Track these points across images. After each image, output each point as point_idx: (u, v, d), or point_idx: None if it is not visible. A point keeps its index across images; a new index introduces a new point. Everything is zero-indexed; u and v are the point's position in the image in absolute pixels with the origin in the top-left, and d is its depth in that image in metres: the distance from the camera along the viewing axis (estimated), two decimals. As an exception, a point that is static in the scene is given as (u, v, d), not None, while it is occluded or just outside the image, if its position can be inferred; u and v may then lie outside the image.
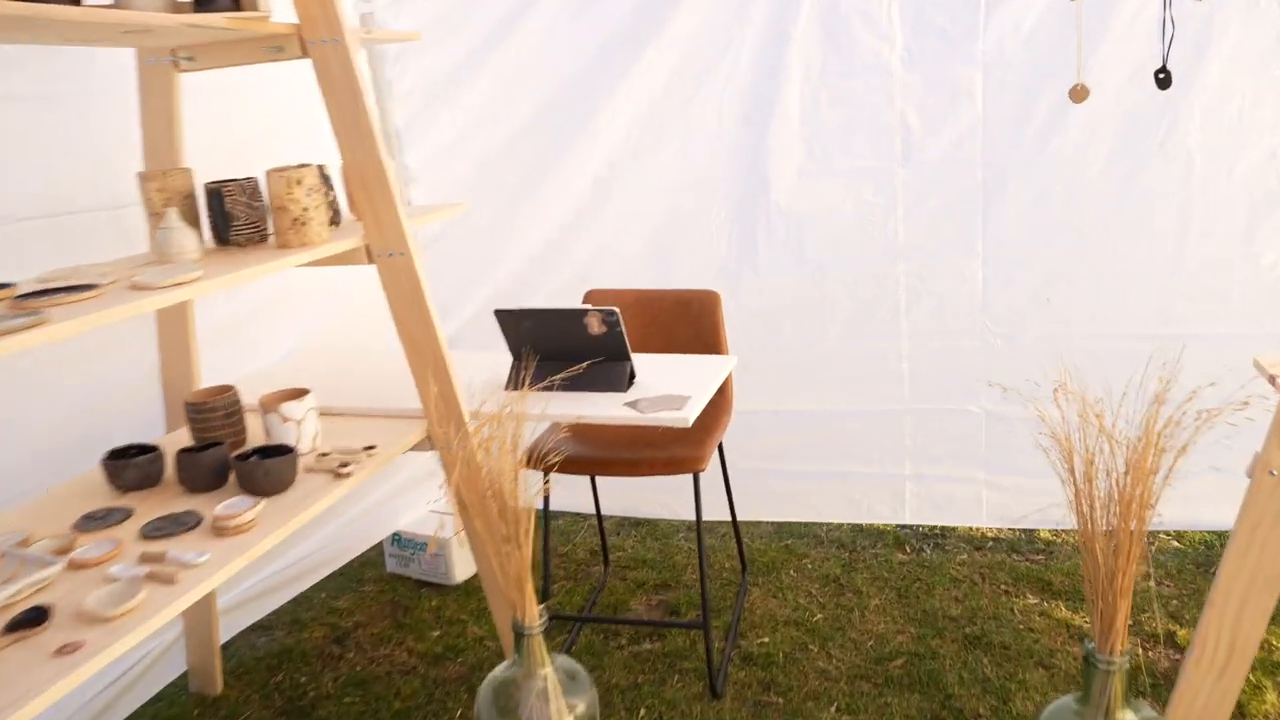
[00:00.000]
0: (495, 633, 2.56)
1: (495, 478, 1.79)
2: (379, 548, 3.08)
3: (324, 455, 1.89)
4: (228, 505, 1.63)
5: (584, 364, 2.10)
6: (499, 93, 2.89)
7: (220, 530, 1.58)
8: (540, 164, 2.93)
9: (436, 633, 2.71)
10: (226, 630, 2.59)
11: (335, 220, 2.02)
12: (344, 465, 1.81)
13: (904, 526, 3.08)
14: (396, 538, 2.98)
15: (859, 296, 2.86)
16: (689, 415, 1.95)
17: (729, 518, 2.72)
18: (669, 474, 2.26)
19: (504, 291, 3.04)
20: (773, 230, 2.87)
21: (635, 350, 2.18)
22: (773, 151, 2.80)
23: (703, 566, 2.35)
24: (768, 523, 3.19)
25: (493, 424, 1.83)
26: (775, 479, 3.09)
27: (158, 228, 1.77)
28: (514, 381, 2.21)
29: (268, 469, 1.71)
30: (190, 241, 1.75)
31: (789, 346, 2.95)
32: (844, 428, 2.98)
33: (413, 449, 2.04)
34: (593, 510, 2.89)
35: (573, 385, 2.14)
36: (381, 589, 2.98)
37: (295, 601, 2.90)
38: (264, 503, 1.67)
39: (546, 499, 2.48)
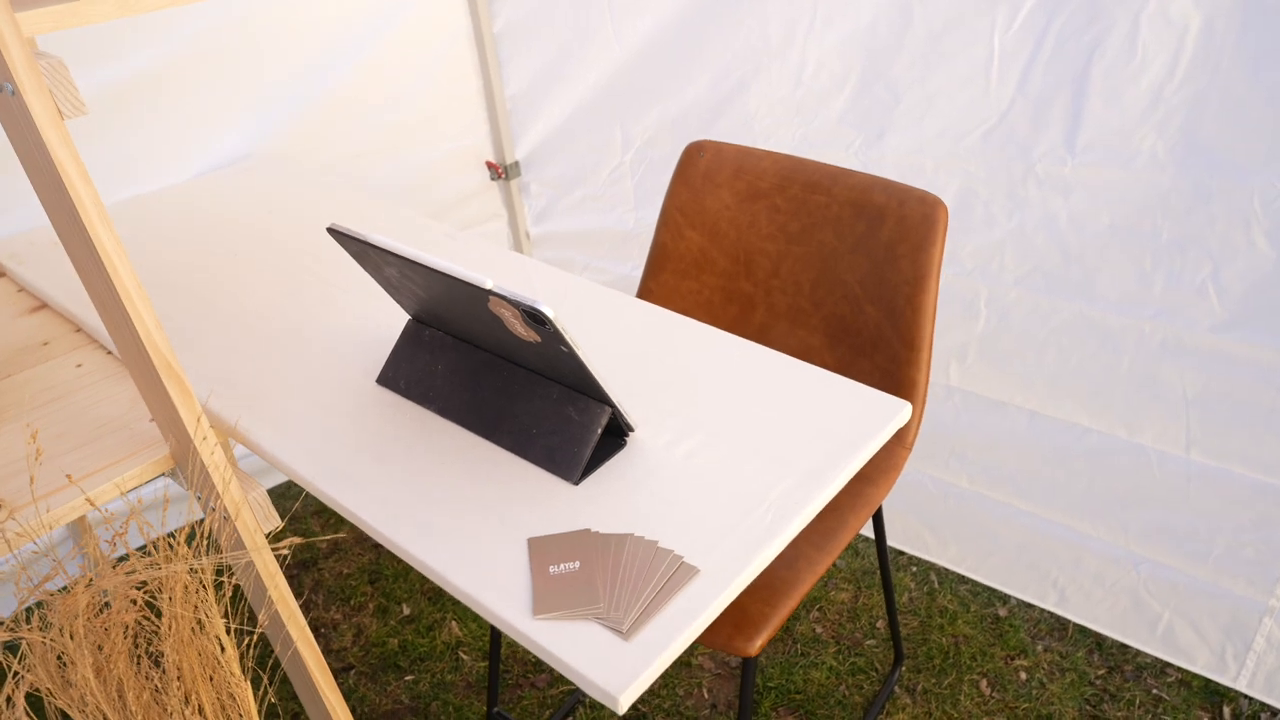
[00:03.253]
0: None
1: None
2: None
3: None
4: None
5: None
6: None
7: None
8: None
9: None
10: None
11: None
12: None
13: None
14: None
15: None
16: (621, 689, 0.71)
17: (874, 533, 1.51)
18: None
19: (582, 109, 1.75)
20: (1142, 63, 1.28)
21: (730, 302, 0.96)
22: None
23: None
24: (969, 577, 1.88)
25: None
26: (995, 515, 1.73)
27: None
28: (390, 375, 1.05)
29: None
30: None
31: (1092, 309, 1.46)
32: (1163, 479, 1.51)
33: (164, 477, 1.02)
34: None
35: (480, 426, 0.97)
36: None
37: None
38: None
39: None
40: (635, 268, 1.99)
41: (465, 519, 0.86)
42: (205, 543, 0.84)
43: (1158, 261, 1.38)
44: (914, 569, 1.90)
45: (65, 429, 1.04)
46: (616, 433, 0.95)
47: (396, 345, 1.05)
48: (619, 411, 0.91)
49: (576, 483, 0.90)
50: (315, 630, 1.82)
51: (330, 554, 2.00)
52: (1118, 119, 1.31)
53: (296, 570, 1.96)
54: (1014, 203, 1.44)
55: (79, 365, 1.15)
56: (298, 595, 1.89)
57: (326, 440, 0.97)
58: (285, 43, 1.68)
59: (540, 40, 1.84)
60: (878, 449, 0.96)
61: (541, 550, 0.82)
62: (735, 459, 0.92)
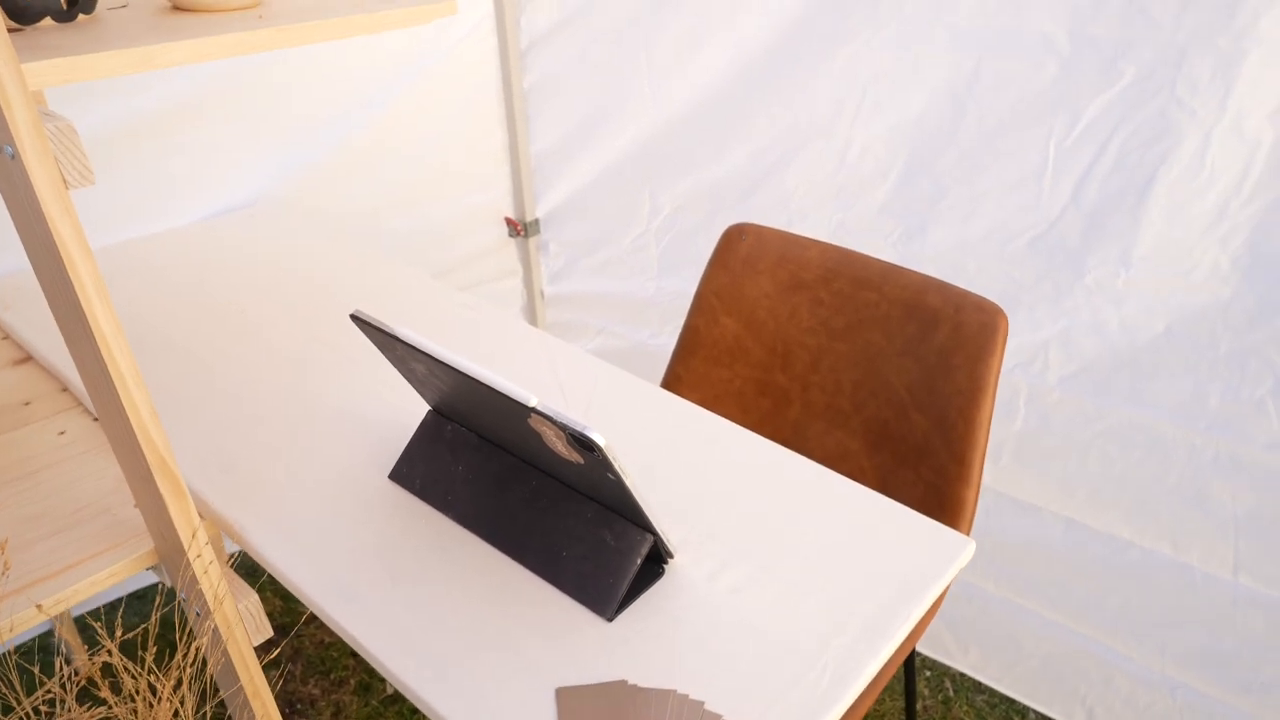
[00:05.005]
0: None
1: None
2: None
3: None
4: None
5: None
6: None
7: None
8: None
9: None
10: None
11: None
12: None
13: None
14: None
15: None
16: None
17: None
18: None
19: (611, 171, 1.68)
20: (1210, 178, 1.22)
21: (763, 395, 0.86)
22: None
23: None
24: (988, 686, 1.78)
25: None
26: (1022, 623, 1.64)
27: None
28: (404, 472, 0.96)
29: None
30: None
31: (1141, 416, 1.39)
32: (1207, 601, 1.43)
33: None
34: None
35: (503, 541, 0.87)
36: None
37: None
38: None
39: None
40: (653, 335, 1.91)
41: (484, 656, 0.77)
42: (191, 669, 0.74)
43: (1215, 373, 1.30)
44: (928, 672, 1.80)
45: (40, 510, 0.95)
46: (655, 559, 0.85)
47: (414, 438, 0.96)
48: (660, 539, 0.82)
49: (610, 619, 0.80)
50: (291, 705, 1.70)
51: (312, 618, 1.89)
52: (1180, 232, 1.25)
53: (275, 636, 1.84)
54: (1060, 310, 1.37)
55: (62, 433, 1.05)
56: (274, 663, 1.77)
57: (331, 548, 0.88)
58: (307, 86, 1.60)
59: (572, 98, 1.77)
60: (939, 595, 0.87)
61: (572, 705, 0.72)
62: (786, 600, 0.83)
